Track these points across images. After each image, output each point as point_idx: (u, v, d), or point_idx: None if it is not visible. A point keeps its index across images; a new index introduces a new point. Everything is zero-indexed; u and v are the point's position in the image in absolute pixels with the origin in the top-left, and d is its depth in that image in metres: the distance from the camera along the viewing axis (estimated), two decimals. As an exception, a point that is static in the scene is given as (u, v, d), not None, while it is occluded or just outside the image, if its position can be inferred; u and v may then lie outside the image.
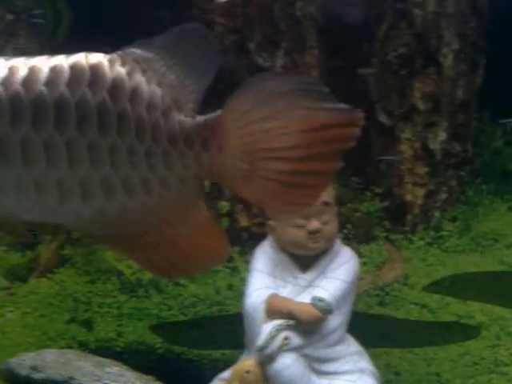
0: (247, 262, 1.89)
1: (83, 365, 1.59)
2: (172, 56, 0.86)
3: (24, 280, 1.98)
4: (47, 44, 1.90)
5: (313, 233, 1.39)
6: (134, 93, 0.84)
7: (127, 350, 1.90)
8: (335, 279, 1.40)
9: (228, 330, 1.84)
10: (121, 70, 0.84)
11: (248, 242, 1.85)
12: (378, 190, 1.91)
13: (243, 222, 1.84)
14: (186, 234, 0.84)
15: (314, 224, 1.39)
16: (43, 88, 0.82)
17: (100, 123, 0.83)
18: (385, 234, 1.96)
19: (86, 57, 0.85)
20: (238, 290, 1.87)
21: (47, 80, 0.83)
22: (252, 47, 1.75)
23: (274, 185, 0.82)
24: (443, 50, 2.04)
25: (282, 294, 1.41)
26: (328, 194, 1.41)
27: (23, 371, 1.57)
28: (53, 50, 1.87)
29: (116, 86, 0.83)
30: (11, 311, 1.98)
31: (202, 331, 1.86)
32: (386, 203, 1.89)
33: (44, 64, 0.85)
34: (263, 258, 1.47)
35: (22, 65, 0.85)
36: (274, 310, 1.37)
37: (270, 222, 1.45)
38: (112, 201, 0.82)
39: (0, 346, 1.97)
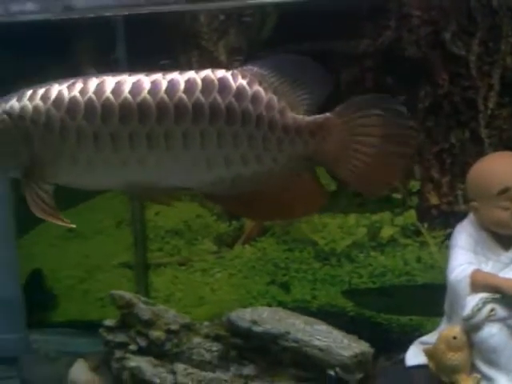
0: (435, 237, 1.97)
1: (295, 322, 1.74)
2: (283, 75, 1.10)
3: (230, 246, 2.18)
4: (253, 41, 2.05)
5: (518, 214, 1.44)
6: (255, 97, 1.08)
7: (321, 311, 2.05)
8: (539, 258, 1.44)
9: (416, 298, 1.94)
10: (242, 81, 1.08)
11: (437, 219, 1.93)
12: None
13: (433, 200, 1.92)
14: (291, 193, 1.12)
15: (520, 206, 1.44)
16: (183, 95, 1.06)
17: (228, 118, 1.07)
18: None
19: (213, 71, 1.09)
20: (426, 263, 1.95)
21: (185, 88, 1.06)
22: (447, 37, 1.80)
23: (358, 169, 1.10)
24: None
25: (484, 270, 1.48)
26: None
27: (244, 324, 1.74)
28: (259, 47, 2.03)
29: (240, 92, 1.07)
30: (219, 272, 2.20)
31: (390, 298, 1.97)
32: None
33: (179, 77, 1.08)
34: (464, 235, 1.54)
35: (160, 78, 1.07)
36: (478, 284, 1.45)
37: (473, 203, 1.52)
38: (229, 169, 1.08)
39: (210, 301, 2.22)
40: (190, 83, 1.07)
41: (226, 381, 1.71)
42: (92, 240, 2.29)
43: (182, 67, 2.12)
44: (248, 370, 1.74)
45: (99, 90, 1.08)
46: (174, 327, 1.81)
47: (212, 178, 1.09)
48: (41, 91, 1.11)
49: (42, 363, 2.00)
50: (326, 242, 2.07)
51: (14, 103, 1.11)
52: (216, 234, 2.18)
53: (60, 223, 1.13)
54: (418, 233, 1.95)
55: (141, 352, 1.78)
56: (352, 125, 1.09)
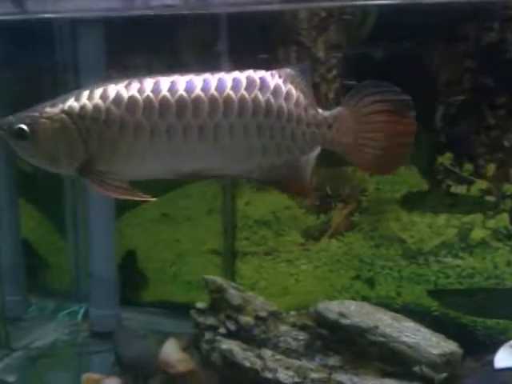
0: (527, 242, 1.95)
1: (383, 317, 1.76)
2: (306, 77, 1.23)
3: (317, 239, 2.22)
4: (353, 38, 2.08)
5: None
6: (288, 95, 1.21)
7: (405, 309, 2.06)
8: None
9: (504, 302, 1.93)
10: (279, 80, 1.21)
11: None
12: None
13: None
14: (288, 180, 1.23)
15: None
16: (230, 92, 1.18)
17: (266, 113, 1.19)
18: None
19: (255, 71, 1.21)
20: (516, 267, 1.94)
21: (232, 86, 1.18)
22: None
23: (369, 155, 1.20)
24: None
25: None
26: None
27: (332, 316, 1.78)
28: (357, 44, 2.05)
29: (276, 90, 1.21)
30: (304, 264, 2.25)
31: (477, 300, 1.96)
32: None
33: (227, 76, 1.19)
34: None
35: (210, 77, 1.19)
36: None
37: None
38: (266, 158, 1.20)
39: (294, 292, 2.27)
40: (236, 81, 1.19)
41: (311, 369, 1.76)
42: (183, 225, 2.38)
43: (281, 62, 2.18)
44: (333, 360, 1.78)
45: (156, 88, 1.19)
46: (262, 314, 1.87)
47: (251, 165, 1.21)
48: (98, 91, 1.20)
49: (135, 339, 2.11)
50: (414, 241, 2.07)
51: (72, 103, 1.19)
52: (304, 227, 2.23)
53: (137, 199, 1.18)
54: (509, 236, 1.93)
55: (229, 336, 1.86)
56: (358, 114, 1.20)
